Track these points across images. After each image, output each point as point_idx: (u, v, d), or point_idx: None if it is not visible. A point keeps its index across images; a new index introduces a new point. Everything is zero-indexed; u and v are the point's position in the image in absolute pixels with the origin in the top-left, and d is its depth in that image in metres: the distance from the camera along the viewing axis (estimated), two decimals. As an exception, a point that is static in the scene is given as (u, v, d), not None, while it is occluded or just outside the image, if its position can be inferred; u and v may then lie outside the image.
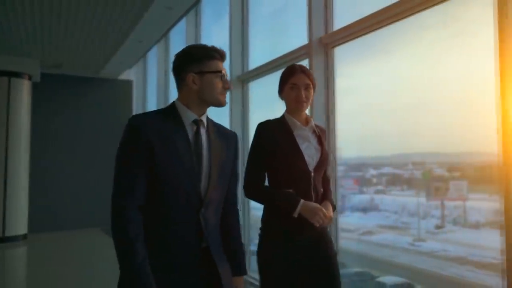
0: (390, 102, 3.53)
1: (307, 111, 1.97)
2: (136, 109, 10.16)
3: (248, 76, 4.76)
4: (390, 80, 3.58)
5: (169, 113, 1.48)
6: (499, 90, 2.11)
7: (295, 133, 1.86)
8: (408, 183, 5.34)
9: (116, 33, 6.25)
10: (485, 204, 3.15)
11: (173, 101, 1.54)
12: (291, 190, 1.79)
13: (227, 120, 4.94)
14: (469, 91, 2.86)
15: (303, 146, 1.85)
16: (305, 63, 3.49)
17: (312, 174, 1.84)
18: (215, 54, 1.48)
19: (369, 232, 4.69)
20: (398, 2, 2.87)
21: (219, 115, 3.30)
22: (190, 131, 1.46)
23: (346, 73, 3.64)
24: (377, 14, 2.99)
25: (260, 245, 1.89)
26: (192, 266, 1.40)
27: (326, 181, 2.00)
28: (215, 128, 1.56)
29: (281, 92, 1.93)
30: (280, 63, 4.09)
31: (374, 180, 4.60)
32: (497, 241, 2.96)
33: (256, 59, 4.76)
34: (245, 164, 1.96)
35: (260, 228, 1.95)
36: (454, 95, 2.97)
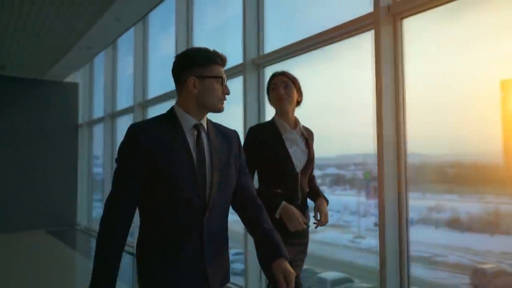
0: (335, 103, 3.79)
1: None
2: (82, 112, 10.15)
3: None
4: (334, 83, 3.87)
5: (169, 119, 1.44)
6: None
7: (284, 136, 1.92)
8: (350, 183, 5.93)
9: (65, 39, 6.38)
10: (421, 202, 3.39)
11: (172, 106, 1.49)
12: (279, 191, 1.84)
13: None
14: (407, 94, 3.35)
15: (291, 150, 1.92)
16: (239, 80, 4.02)
17: (299, 175, 1.92)
18: (217, 59, 1.45)
19: (313, 231, 5.12)
20: (314, 35, 3.41)
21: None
22: (190, 136, 1.43)
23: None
24: (304, 41, 3.52)
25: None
26: (193, 267, 1.41)
27: (313, 180, 2.12)
28: (215, 130, 1.51)
29: (268, 99, 2.04)
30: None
31: (319, 180, 5.04)
32: (430, 236, 3.38)
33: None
34: None
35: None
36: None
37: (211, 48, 1.49)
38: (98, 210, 9.26)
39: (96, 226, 7.30)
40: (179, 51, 5.43)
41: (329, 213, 3.95)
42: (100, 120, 9.02)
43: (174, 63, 1.48)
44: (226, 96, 1.45)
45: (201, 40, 5.42)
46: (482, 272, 4.18)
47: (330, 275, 5.22)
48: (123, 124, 7.87)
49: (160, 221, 1.38)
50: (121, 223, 1.35)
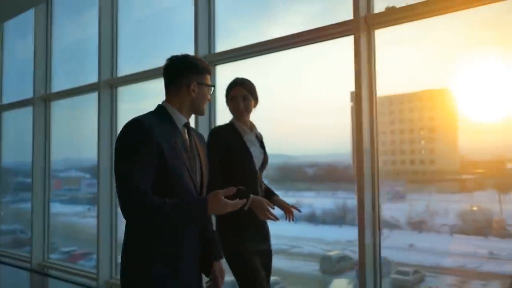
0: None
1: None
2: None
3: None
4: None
5: (163, 116, 1.54)
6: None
7: (245, 138, 2.05)
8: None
9: None
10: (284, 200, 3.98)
11: (161, 104, 1.59)
12: (242, 187, 1.90)
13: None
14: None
15: (251, 150, 2.05)
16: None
17: (258, 173, 2.06)
18: (209, 69, 1.63)
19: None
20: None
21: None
22: (182, 133, 1.56)
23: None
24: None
25: (229, 240, 1.95)
26: (195, 257, 1.54)
27: (263, 181, 2.20)
28: (192, 130, 1.65)
29: (226, 102, 2.13)
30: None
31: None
32: (290, 229, 3.59)
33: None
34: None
35: (219, 227, 2.02)
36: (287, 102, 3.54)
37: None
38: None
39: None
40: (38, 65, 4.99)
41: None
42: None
43: (173, 65, 1.57)
44: None
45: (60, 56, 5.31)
46: (328, 258, 4.89)
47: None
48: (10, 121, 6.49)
49: None
50: (154, 196, 1.40)
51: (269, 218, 1.89)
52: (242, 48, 3.17)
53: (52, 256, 5.09)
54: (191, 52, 3.26)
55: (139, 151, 1.40)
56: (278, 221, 1.92)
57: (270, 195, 2.14)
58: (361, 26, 2.43)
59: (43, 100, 5.12)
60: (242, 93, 2.05)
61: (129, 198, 1.38)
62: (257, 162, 2.06)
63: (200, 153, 1.60)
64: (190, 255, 1.49)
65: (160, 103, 1.60)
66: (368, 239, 2.42)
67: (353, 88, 2.65)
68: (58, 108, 5.20)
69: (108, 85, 4.13)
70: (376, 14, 2.47)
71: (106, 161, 4.00)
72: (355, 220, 2.48)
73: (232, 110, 2.09)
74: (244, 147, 2.03)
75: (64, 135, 5.34)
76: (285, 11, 3.72)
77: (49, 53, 5.19)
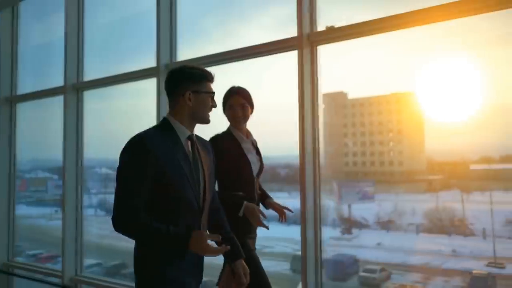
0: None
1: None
2: None
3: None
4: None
5: (166, 129, 1.57)
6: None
7: (242, 145, 2.09)
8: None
9: None
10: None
11: (165, 117, 1.62)
12: (240, 193, 1.98)
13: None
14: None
15: (248, 156, 2.09)
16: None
17: (255, 179, 2.11)
18: (209, 76, 1.61)
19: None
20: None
21: None
22: (185, 146, 1.58)
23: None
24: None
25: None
26: (194, 267, 1.59)
27: (260, 184, 2.29)
28: (198, 141, 1.66)
29: (224, 110, 2.16)
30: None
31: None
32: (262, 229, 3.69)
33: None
34: None
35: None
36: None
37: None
38: None
39: None
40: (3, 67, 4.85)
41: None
42: None
43: (170, 78, 1.61)
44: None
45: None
46: (299, 258, 4.87)
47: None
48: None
49: (165, 222, 1.49)
50: (144, 216, 1.47)
51: (260, 225, 1.99)
52: (202, 58, 3.27)
53: (19, 259, 4.95)
54: (152, 60, 3.34)
55: (138, 168, 1.47)
56: (268, 229, 2.02)
57: (264, 198, 2.23)
58: (304, 43, 2.70)
59: (8, 102, 5.02)
60: (240, 102, 2.11)
61: (121, 214, 1.47)
62: (255, 168, 2.12)
63: (204, 165, 1.63)
64: (189, 265, 1.56)
65: (165, 115, 1.64)
66: (310, 237, 2.60)
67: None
68: (25, 108, 5.11)
69: (74, 89, 4.14)
70: (318, 32, 2.74)
71: (72, 163, 3.99)
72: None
73: (231, 118, 2.15)
74: (242, 154, 2.09)
75: (32, 135, 5.24)
76: (258, 14, 3.82)
77: (14, 55, 5.10)
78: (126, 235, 1.49)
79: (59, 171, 4.56)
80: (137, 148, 1.49)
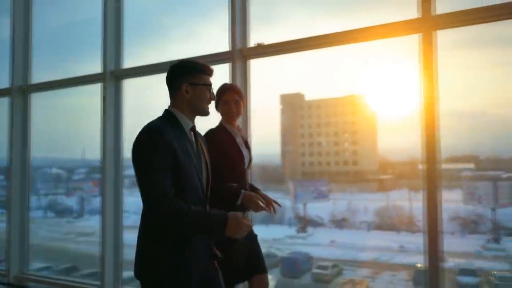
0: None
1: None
2: None
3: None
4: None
5: (171, 120, 1.61)
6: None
7: (236, 139, 2.16)
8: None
9: None
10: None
11: (168, 109, 1.63)
12: (235, 184, 2.03)
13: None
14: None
15: (241, 150, 2.16)
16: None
17: (246, 171, 2.19)
18: (206, 70, 1.65)
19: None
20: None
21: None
22: (189, 136, 1.62)
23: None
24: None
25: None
26: (206, 255, 1.62)
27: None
28: (198, 133, 1.71)
29: (217, 106, 2.18)
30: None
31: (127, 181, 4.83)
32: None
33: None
34: None
35: None
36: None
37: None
38: None
39: None
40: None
41: (126, 214, 4.01)
42: None
43: (169, 72, 1.65)
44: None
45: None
46: None
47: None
48: None
49: None
50: (180, 202, 1.49)
51: (261, 209, 2.04)
52: (146, 67, 3.38)
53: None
54: (98, 67, 3.38)
55: (159, 156, 1.49)
56: (269, 212, 2.08)
57: (253, 190, 2.25)
58: (236, 57, 2.94)
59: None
60: (234, 98, 2.18)
61: (159, 204, 1.48)
62: (246, 161, 2.21)
63: (205, 155, 1.70)
64: (201, 254, 1.61)
65: (167, 107, 1.66)
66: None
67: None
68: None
69: (21, 91, 4.04)
70: (249, 48, 2.98)
71: (17, 163, 3.90)
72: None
73: (225, 113, 2.20)
74: (236, 148, 2.17)
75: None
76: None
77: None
78: (169, 225, 1.51)
79: (6, 171, 4.41)
80: (157, 137, 1.50)
